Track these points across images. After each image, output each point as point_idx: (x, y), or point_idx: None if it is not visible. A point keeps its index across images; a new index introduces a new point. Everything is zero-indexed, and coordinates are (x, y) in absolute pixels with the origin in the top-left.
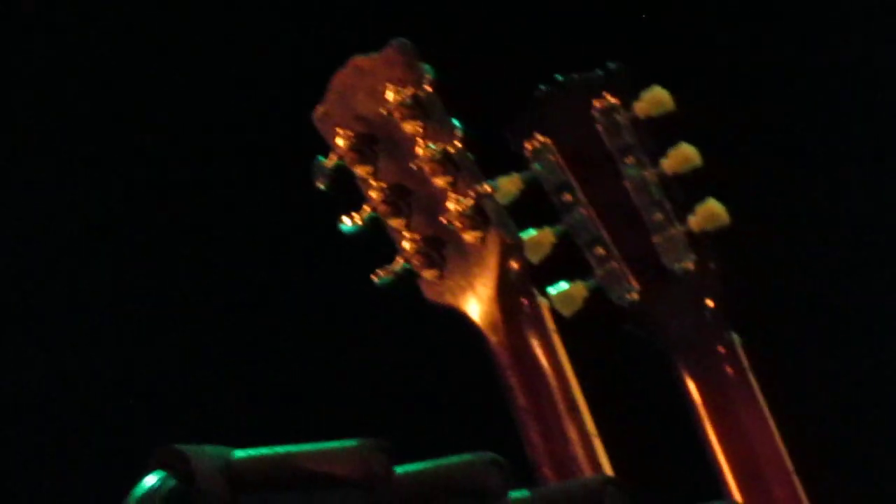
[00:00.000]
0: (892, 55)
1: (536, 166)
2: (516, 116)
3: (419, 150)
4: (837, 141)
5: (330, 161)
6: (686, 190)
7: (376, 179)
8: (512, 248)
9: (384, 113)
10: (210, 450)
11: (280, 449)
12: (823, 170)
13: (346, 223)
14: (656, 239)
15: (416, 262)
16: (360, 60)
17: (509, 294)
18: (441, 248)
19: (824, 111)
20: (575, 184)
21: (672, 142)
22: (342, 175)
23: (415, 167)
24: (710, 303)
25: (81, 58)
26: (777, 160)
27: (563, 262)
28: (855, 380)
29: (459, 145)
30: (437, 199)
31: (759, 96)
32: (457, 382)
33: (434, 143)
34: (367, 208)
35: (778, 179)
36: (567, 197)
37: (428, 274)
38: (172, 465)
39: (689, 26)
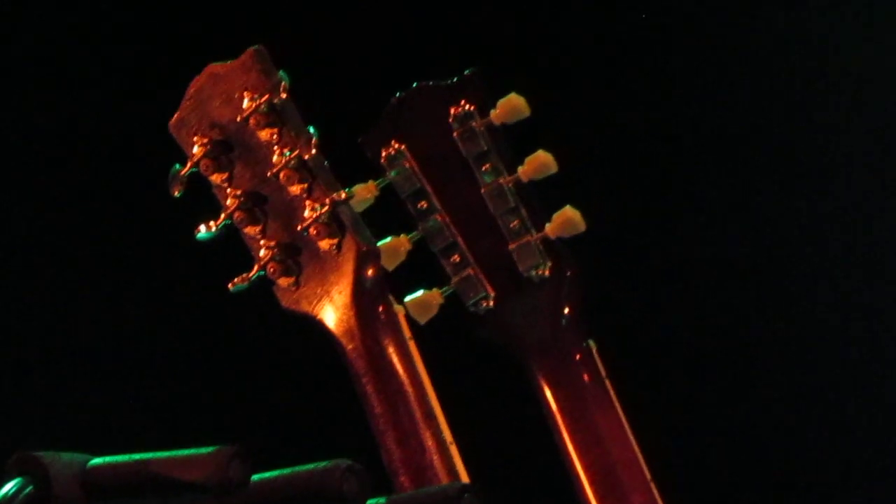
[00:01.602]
0: (744, 51)
1: (392, 173)
2: (372, 123)
3: (275, 158)
4: (692, 146)
5: (186, 168)
6: (543, 197)
7: (232, 187)
8: (368, 255)
9: (240, 120)
10: (66, 456)
11: (136, 456)
12: (679, 176)
13: (202, 231)
14: (512, 246)
15: (271, 269)
16: (215, 67)
17: (365, 301)
18: (297, 256)
19: (680, 117)
20: (430, 191)
21: (529, 149)
22: (199, 182)
23: (270, 175)
24: (566, 309)
25: None
26: (633, 166)
27: (419, 269)
28: (712, 385)
29: (315, 152)
30: (293, 206)
31: (616, 103)
32: (313, 390)
33: (289, 150)
34: (222, 216)
35: (634, 186)
36: (423, 204)
37: (284, 281)
38: (30, 470)
39: (546, 34)
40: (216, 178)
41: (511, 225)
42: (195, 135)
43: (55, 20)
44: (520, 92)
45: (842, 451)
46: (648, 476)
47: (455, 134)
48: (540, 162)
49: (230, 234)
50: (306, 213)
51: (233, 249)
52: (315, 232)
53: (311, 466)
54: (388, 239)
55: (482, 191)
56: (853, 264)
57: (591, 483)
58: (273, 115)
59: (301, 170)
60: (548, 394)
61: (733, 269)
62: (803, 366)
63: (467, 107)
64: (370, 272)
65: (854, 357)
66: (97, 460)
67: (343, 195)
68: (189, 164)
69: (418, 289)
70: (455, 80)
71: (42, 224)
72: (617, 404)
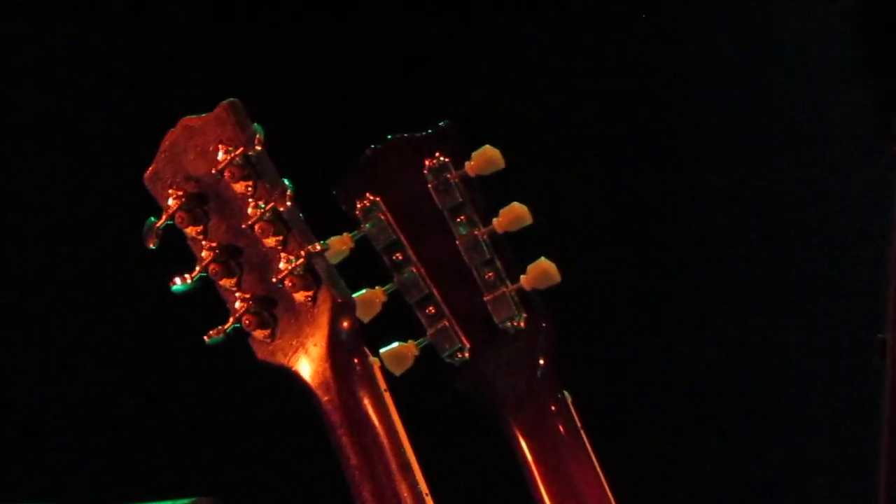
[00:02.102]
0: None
1: (367, 225)
2: (346, 175)
3: (250, 210)
4: (668, 198)
5: (160, 221)
6: (517, 249)
7: (207, 239)
8: (343, 307)
9: (215, 173)
10: None
11: None
12: (654, 229)
13: (177, 283)
14: (487, 298)
15: (246, 321)
16: (190, 120)
17: (340, 353)
18: (272, 308)
19: (655, 170)
20: (406, 242)
21: (504, 201)
22: (174, 235)
23: (245, 227)
24: (541, 361)
25: None
26: (608, 218)
27: (394, 321)
28: (688, 437)
29: (290, 205)
30: (268, 258)
31: (591, 156)
32: (289, 442)
33: (264, 202)
34: (198, 268)
35: (609, 238)
36: (398, 256)
37: (259, 334)
38: None
39: (521, 86)
40: (191, 231)
41: (486, 277)
42: (170, 188)
43: (21, 76)
44: (494, 144)
45: (827, 487)
46: None
47: (430, 186)
48: (515, 214)
49: (205, 286)
50: (281, 266)
51: (208, 302)
52: (290, 284)
53: None
54: (364, 291)
55: (457, 242)
56: (828, 303)
57: None
58: (248, 168)
59: (276, 222)
60: (523, 445)
61: (707, 322)
62: (784, 423)
63: (442, 159)
64: (345, 324)
65: (831, 390)
66: None
67: (318, 247)
68: (164, 217)
69: (393, 341)
70: (430, 132)
71: (15, 279)
72: (592, 456)
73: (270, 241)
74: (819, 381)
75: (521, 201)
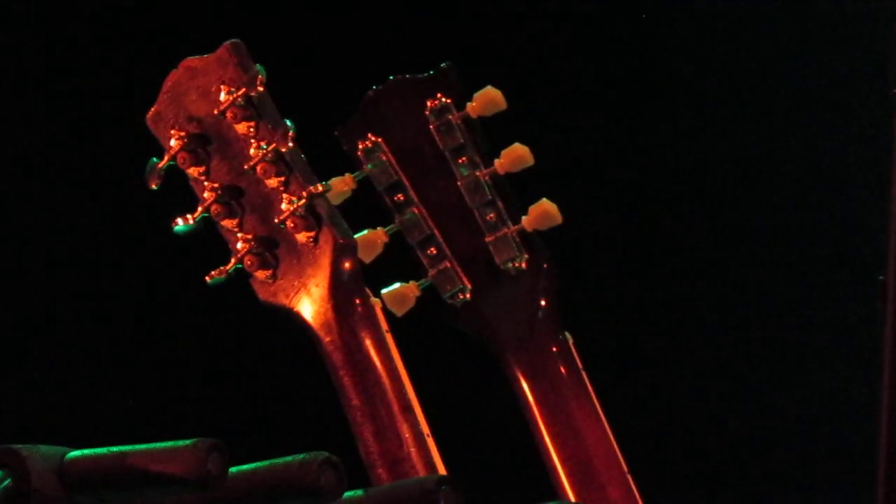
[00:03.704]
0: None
1: (369, 166)
2: (349, 116)
3: (252, 151)
4: (671, 140)
5: (163, 162)
6: (519, 189)
7: (209, 180)
8: (345, 247)
9: (217, 114)
10: (45, 449)
11: (114, 448)
12: (656, 169)
13: (180, 224)
14: (489, 239)
15: (248, 262)
16: (192, 61)
17: (342, 294)
18: (274, 249)
19: (658, 113)
20: (407, 184)
21: (505, 142)
22: (176, 176)
23: (247, 168)
24: (542, 302)
25: None
26: (609, 159)
27: (396, 261)
28: (689, 380)
29: (292, 146)
30: (270, 199)
31: (592, 96)
32: (290, 382)
33: (266, 143)
34: (200, 209)
35: (610, 178)
36: (399, 197)
37: (261, 274)
38: (8, 464)
39: (523, 27)
40: (193, 172)
41: (488, 218)
42: (172, 128)
43: (27, 15)
44: (496, 85)
45: (815, 438)
46: (625, 468)
47: (431, 127)
48: (516, 155)
49: (207, 227)
50: (283, 206)
51: (210, 242)
52: (292, 225)
53: (288, 459)
54: (365, 232)
55: (459, 183)
56: (825, 265)
57: (568, 475)
58: (250, 109)
59: (278, 163)
60: (524, 386)
61: (709, 263)
62: (779, 360)
63: (444, 100)
64: (347, 265)
65: (827, 355)
66: (75, 453)
67: (320, 188)
68: (166, 158)
69: (395, 281)
70: (431, 73)
71: (14, 219)
72: (593, 397)
73: (272, 182)
74: (820, 320)
75: (522, 142)
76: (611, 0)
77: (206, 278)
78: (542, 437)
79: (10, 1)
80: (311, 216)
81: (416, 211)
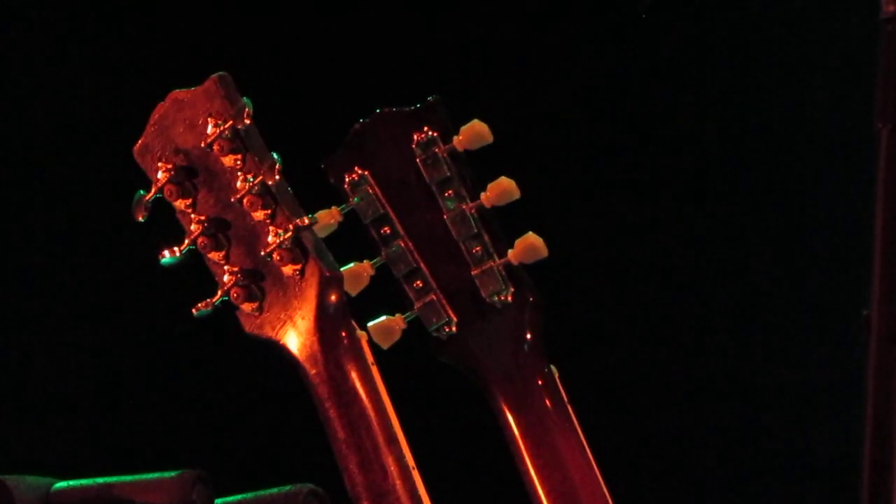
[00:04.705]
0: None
1: (355, 199)
2: (334, 149)
3: (238, 184)
4: (656, 171)
5: (150, 194)
6: (505, 223)
7: (196, 212)
8: (331, 280)
9: (204, 146)
10: (31, 479)
11: (100, 479)
12: (642, 203)
13: (166, 256)
14: (475, 272)
15: (234, 294)
16: (179, 93)
17: (328, 326)
18: (260, 281)
19: (644, 145)
20: (393, 216)
21: (491, 175)
22: (163, 208)
23: (234, 200)
24: (528, 335)
25: None
26: (597, 192)
27: (382, 294)
28: (675, 413)
29: (278, 178)
30: (257, 231)
31: (578, 131)
32: (276, 414)
33: (253, 176)
34: (186, 241)
35: (596, 212)
36: (386, 229)
37: (247, 307)
38: None
39: (509, 61)
40: (180, 204)
41: (474, 251)
42: (159, 160)
43: (21, 44)
44: (482, 119)
45: (811, 471)
46: (610, 501)
47: (418, 160)
48: (503, 188)
49: (194, 259)
50: (269, 239)
51: (196, 274)
52: (278, 257)
53: (273, 490)
54: (351, 264)
55: (445, 217)
56: (815, 275)
57: None
58: (237, 141)
59: (264, 195)
60: (510, 419)
61: (697, 296)
62: (768, 387)
63: (430, 133)
64: (333, 298)
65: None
66: (62, 483)
67: (306, 221)
68: (153, 190)
69: (381, 314)
70: (418, 106)
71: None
72: (578, 430)
73: (259, 215)
74: (809, 359)
75: (508, 176)
76: (599, 31)
77: (193, 310)
78: (527, 470)
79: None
80: (298, 249)
81: (403, 244)
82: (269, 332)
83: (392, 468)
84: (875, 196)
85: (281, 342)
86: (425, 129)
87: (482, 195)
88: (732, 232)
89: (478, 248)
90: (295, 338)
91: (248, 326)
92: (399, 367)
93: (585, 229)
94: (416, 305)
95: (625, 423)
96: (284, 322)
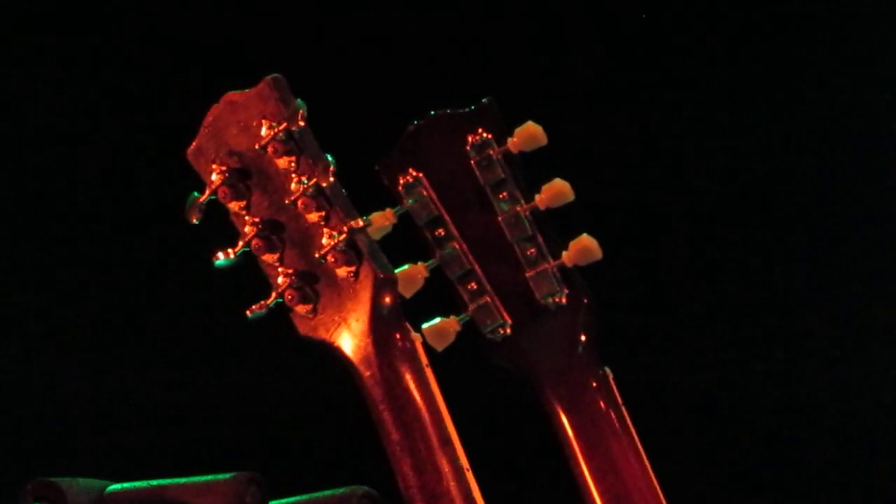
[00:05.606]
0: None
1: (409, 201)
2: (389, 151)
3: (292, 186)
4: (713, 172)
5: (203, 196)
6: (559, 225)
7: (250, 214)
8: (385, 282)
9: (257, 148)
10: (84, 482)
11: (153, 482)
12: (699, 204)
13: (220, 258)
14: (529, 273)
15: (288, 296)
16: (233, 95)
17: (382, 328)
18: (314, 283)
19: (699, 142)
20: (447, 218)
21: (546, 177)
22: (217, 210)
23: (288, 202)
24: (582, 337)
25: None
26: (651, 194)
27: (436, 296)
28: (727, 412)
29: (332, 180)
30: (310, 234)
31: (634, 131)
32: (330, 416)
33: (307, 178)
34: (240, 243)
35: (653, 214)
36: (440, 231)
37: (301, 308)
38: (47, 497)
39: (565, 62)
40: (234, 206)
41: (528, 253)
42: (213, 163)
43: (75, 48)
44: (537, 120)
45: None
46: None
47: (472, 162)
48: (557, 190)
49: (248, 261)
50: (324, 241)
51: (251, 276)
52: (332, 259)
53: (328, 493)
54: (406, 266)
55: (499, 219)
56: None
57: None
58: (291, 143)
59: (318, 197)
60: (563, 421)
61: (754, 299)
62: (818, 390)
63: (484, 135)
64: (387, 300)
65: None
66: (114, 486)
67: (360, 223)
68: (207, 192)
69: (435, 316)
70: (472, 108)
71: (56, 254)
72: (633, 432)
73: (313, 217)
74: (869, 363)
75: (563, 178)
76: (651, 34)
77: (247, 312)
78: (581, 472)
79: (54, 33)
80: (352, 251)
81: (457, 246)
82: (322, 334)
83: (446, 470)
84: None
85: (335, 344)
86: (479, 130)
87: (536, 197)
88: (787, 236)
89: (532, 250)
90: (349, 340)
91: (303, 328)
92: (453, 369)
93: (640, 231)
94: (471, 307)
95: (681, 426)
96: (339, 324)
